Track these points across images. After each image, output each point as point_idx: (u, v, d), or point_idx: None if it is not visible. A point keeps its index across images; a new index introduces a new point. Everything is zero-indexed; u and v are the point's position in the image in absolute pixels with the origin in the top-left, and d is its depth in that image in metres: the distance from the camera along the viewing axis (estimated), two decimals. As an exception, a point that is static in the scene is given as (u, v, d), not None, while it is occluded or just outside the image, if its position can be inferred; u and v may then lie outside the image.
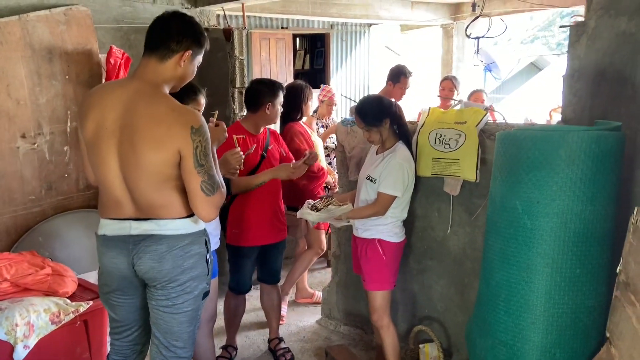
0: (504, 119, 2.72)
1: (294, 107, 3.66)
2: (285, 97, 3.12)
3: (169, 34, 1.88)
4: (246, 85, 3.99)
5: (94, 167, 1.95)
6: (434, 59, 7.79)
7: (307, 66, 9.62)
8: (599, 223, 2.02)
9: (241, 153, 2.55)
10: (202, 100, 2.51)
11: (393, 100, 2.80)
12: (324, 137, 4.72)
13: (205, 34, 2.00)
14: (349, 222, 2.70)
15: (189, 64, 1.94)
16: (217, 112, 2.34)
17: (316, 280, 4.48)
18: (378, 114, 2.63)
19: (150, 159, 1.82)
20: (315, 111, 5.05)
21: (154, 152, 1.81)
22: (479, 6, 4.20)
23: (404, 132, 2.71)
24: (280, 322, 3.49)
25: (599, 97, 2.32)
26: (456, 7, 6.35)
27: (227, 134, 2.28)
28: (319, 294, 4.00)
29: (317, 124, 4.95)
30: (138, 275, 1.96)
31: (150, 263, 1.92)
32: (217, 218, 2.62)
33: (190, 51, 1.92)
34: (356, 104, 2.79)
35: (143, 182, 1.86)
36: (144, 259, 1.92)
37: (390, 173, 2.59)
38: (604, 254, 2.05)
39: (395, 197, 2.62)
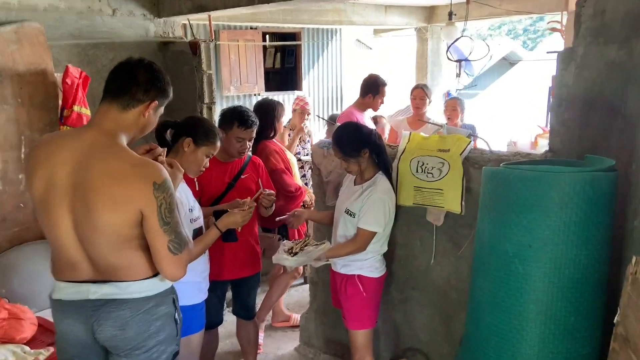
0: (488, 145, 2.60)
1: (266, 124, 3.47)
2: (257, 114, 2.95)
3: (136, 82, 1.71)
4: (215, 100, 3.81)
5: (44, 227, 1.75)
6: (409, 62, 7.66)
7: (277, 65, 9.40)
8: (594, 267, 1.92)
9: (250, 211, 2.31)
10: (218, 145, 2.39)
11: (374, 129, 2.65)
12: (289, 146, 4.52)
13: (170, 84, 1.81)
14: (327, 261, 2.54)
15: (153, 114, 1.77)
16: (164, 150, 2.12)
17: (293, 299, 4.33)
18: (357, 144, 2.48)
19: (108, 221, 1.63)
20: (288, 121, 4.86)
21: (111, 213, 1.63)
22: (455, 14, 4.09)
23: (383, 162, 2.56)
24: (258, 351, 3.33)
25: (588, 128, 2.21)
26: (430, 10, 6.23)
27: (182, 173, 2.08)
28: (296, 317, 3.86)
29: (289, 135, 4.78)
30: (99, 342, 1.78)
31: (112, 330, 1.73)
32: (208, 266, 2.44)
33: (157, 102, 1.75)
34: (330, 122, 2.63)
35: (101, 244, 1.68)
36: (104, 326, 1.73)
37: (371, 208, 2.45)
38: (598, 299, 1.96)
39: (376, 232, 2.48)
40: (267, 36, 8.57)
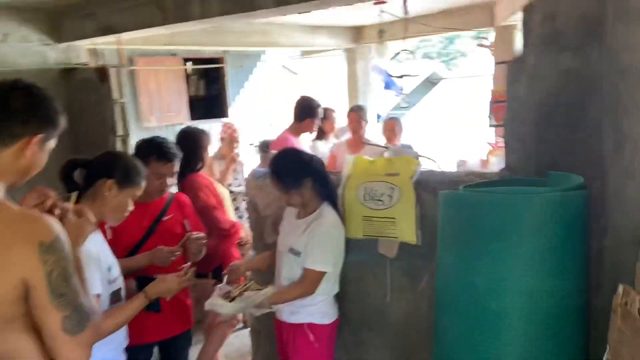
0: (438, 166, 2.39)
1: (191, 156, 3.09)
2: (180, 145, 2.64)
3: (10, 111, 1.31)
4: (129, 132, 3.41)
5: None
6: (339, 82, 7.51)
7: (202, 92, 8.99)
8: (574, 297, 1.72)
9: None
10: (144, 184, 2.02)
11: (315, 155, 2.37)
12: (222, 178, 4.17)
13: (60, 111, 1.43)
14: (270, 308, 2.20)
15: (39, 151, 1.37)
16: (75, 195, 1.71)
17: (232, 348, 3.89)
18: (298, 173, 2.18)
19: (-22, 298, 1.22)
20: (215, 152, 4.50)
21: (-18, 289, 1.21)
22: (386, 32, 3.97)
23: (328, 191, 2.28)
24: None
25: (546, 143, 2.04)
26: (358, 31, 6.12)
27: (94, 225, 1.67)
28: (237, 369, 3.46)
29: (219, 166, 4.42)
30: None
31: None
32: (127, 334, 2.01)
33: (42, 135, 1.35)
34: (263, 149, 2.31)
35: (-29, 329, 1.25)
36: None
37: (318, 245, 2.15)
38: (580, 332, 1.76)
39: (325, 272, 2.17)
40: (189, 63, 8.17)
